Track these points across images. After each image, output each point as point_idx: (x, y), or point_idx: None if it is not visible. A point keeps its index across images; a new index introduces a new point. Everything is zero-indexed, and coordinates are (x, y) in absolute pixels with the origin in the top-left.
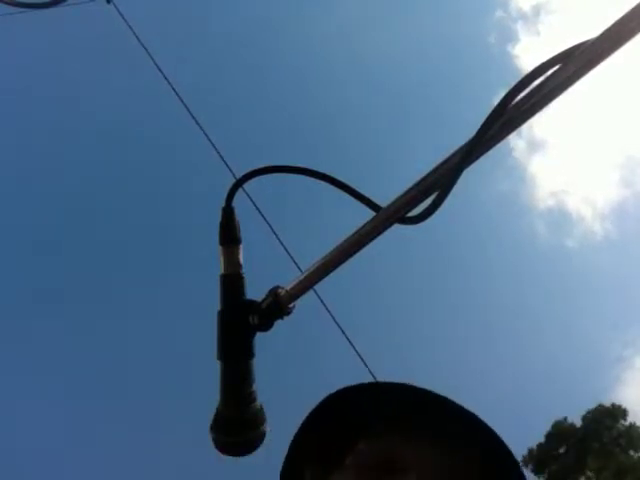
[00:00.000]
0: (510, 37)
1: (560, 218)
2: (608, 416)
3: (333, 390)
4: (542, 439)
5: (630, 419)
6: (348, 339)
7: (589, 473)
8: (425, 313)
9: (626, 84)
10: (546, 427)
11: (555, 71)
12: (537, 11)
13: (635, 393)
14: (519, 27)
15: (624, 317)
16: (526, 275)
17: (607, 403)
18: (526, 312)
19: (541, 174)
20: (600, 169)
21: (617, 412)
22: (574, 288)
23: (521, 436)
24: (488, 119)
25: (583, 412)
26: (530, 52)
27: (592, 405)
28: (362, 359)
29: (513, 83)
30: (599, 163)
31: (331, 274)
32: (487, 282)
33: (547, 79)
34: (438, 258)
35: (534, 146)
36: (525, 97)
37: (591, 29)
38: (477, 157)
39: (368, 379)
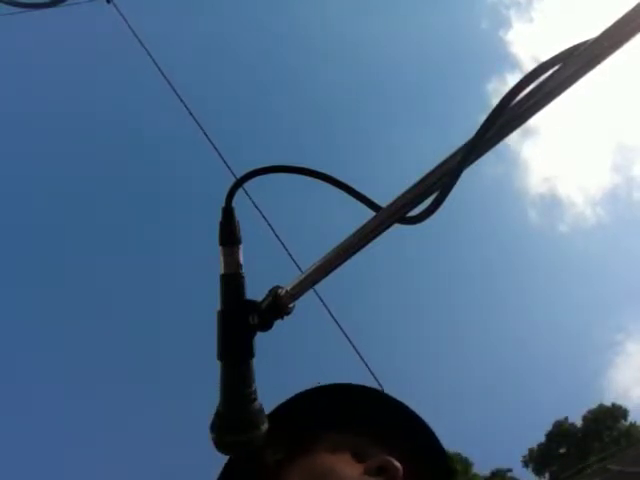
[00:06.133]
0: (503, 23)
1: (552, 203)
2: (609, 416)
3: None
4: (542, 439)
5: (630, 419)
6: (348, 338)
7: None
8: (423, 309)
9: (618, 73)
10: (545, 425)
11: (555, 71)
12: None
13: (627, 377)
14: (512, 14)
15: (616, 302)
16: (518, 260)
17: (603, 394)
18: (519, 299)
19: (533, 160)
20: (592, 155)
21: (617, 412)
22: (566, 273)
23: (521, 435)
24: (488, 119)
25: (584, 411)
26: (523, 39)
27: (588, 398)
28: (362, 359)
29: (510, 75)
30: (591, 150)
31: (331, 274)
32: (480, 271)
33: (547, 79)
34: (431, 247)
35: (527, 133)
36: (525, 97)
37: (590, 28)
38: (477, 157)
39: (369, 379)
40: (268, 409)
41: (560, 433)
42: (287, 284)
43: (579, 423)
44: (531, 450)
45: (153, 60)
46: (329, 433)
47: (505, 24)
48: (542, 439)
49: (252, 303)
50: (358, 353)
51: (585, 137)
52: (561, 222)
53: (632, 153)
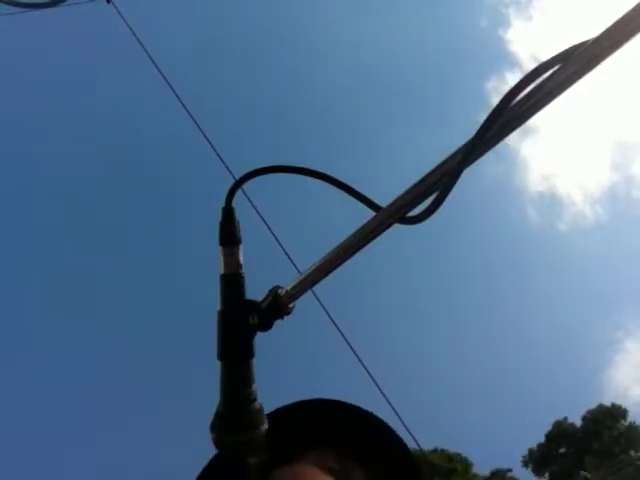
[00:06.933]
0: (502, 22)
1: (551, 202)
2: (608, 416)
3: (320, 393)
4: (542, 439)
5: (630, 419)
6: (346, 339)
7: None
8: (422, 309)
9: (618, 72)
10: (545, 425)
11: (555, 71)
12: None
13: (627, 375)
14: (511, 12)
15: (615, 300)
16: (517, 259)
17: (603, 393)
18: (518, 299)
19: (533, 159)
20: (591, 154)
21: (617, 412)
22: (565, 271)
23: (521, 435)
24: (488, 119)
25: (583, 411)
26: (523, 37)
27: (588, 398)
28: (359, 358)
29: (509, 73)
30: (590, 148)
31: (330, 274)
32: (480, 271)
33: (547, 79)
34: (430, 244)
35: (526, 132)
36: (525, 97)
37: (590, 28)
38: (477, 157)
39: (365, 377)
40: (268, 409)
41: (560, 433)
42: (287, 284)
43: (578, 423)
44: (531, 450)
45: (152, 60)
46: (315, 447)
47: (504, 22)
48: (542, 439)
49: (252, 303)
50: (355, 353)
51: (584, 136)
52: (560, 221)
53: (631, 151)
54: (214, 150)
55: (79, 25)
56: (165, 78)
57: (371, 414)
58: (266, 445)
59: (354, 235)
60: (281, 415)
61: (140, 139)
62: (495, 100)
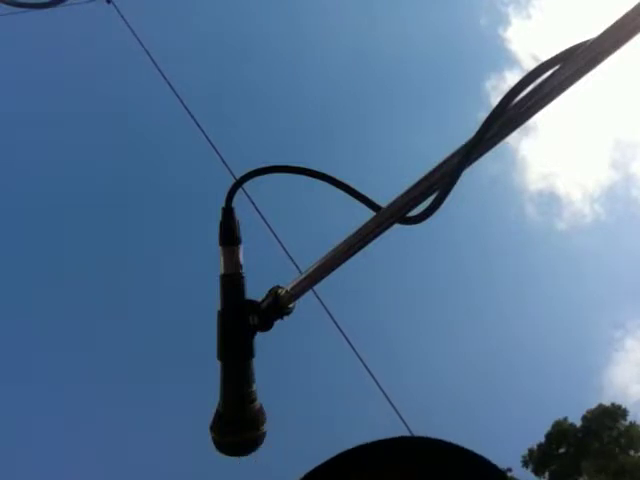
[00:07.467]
0: (501, 20)
1: (550, 201)
2: (608, 416)
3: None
4: (542, 439)
5: (630, 418)
6: (347, 339)
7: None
8: (421, 309)
9: (617, 70)
10: (545, 425)
11: (555, 71)
12: None
13: (626, 374)
14: (511, 10)
15: (614, 299)
16: (516, 258)
17: (603, 394)
18: (517, 298)
19: (531, 157)
20: (590, 152)
21: (617, 412)
22: (564, 270)
23: (521, 435)
24: (488, 119)
25: (583, 411)
26: (523, 36)
27: (588, 397)
28: (360, 359)
29: (508, 72)
30: (589, 146)
31: (331, 274)
32: (477, 270)
33: (547, 79)
34: (429, 243)
35: (524, 129)
36: (525, 97)
37: (590, 28)
38: (477, 157)
39: (366, 377)
40: (269, 409)
41: (560, 433)
42: (287, 284)
43: (578, 423)
44: (531, 450)
45: (152, 60)
46: None
47: (504, 21)
48: (542, 439)
49: (252, 303)
50: (358, 355)
51: (584, 134)
52: (559, 219)
53: (631, 150)
54: (215, 150)
55: (79, 25)
56: (165, 78)
57: (486, 460)
58: (386, 475)
59: (354, 235)
60: (402, 448)
61: (140, 139)
62: (495, 100)
